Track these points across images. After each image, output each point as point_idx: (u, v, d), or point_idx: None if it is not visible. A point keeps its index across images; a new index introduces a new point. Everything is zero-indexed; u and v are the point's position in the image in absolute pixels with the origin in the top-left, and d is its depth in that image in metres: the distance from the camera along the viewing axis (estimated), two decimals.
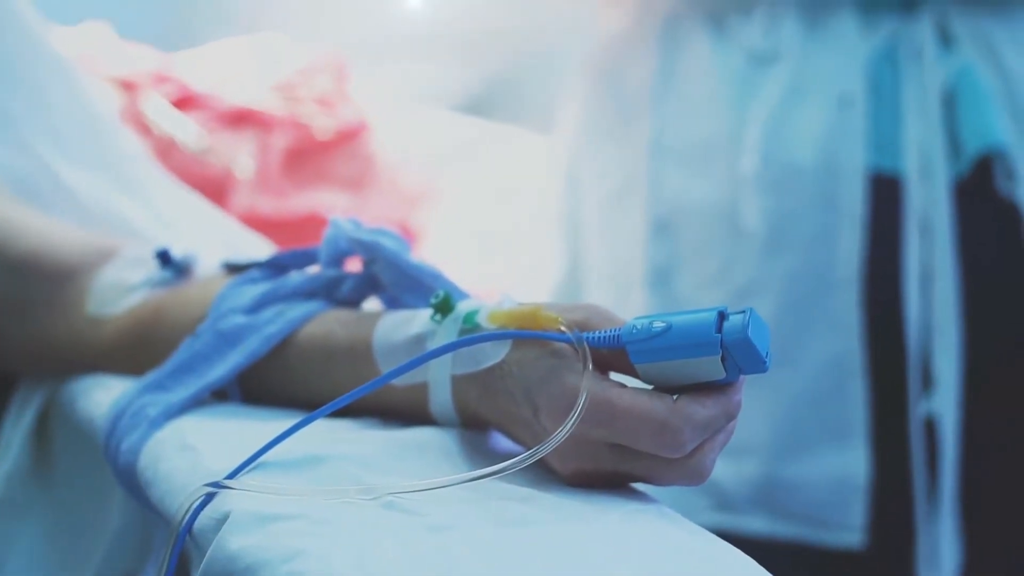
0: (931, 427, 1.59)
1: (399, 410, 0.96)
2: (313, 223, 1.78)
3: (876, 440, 1.61)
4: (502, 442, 0.94)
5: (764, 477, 1.63)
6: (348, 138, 1.86)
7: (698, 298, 1.67)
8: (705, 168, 1.67)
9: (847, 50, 1.61)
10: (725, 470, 1.63)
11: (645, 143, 1.71)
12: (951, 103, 1.59)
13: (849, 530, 1.61)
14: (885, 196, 1.59)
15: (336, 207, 1.79)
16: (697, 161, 1.68)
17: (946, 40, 1.61)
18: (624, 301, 1.73)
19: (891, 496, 1.61)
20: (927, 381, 1.58)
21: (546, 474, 0.89)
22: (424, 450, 0.91)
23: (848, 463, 1.60)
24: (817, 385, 1.61)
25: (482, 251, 2.00)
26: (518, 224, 2.10)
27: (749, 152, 1.63)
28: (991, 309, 1.59)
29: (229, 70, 1.91)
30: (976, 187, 1.59)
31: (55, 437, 1.17)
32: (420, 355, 0.91)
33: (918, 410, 1.57)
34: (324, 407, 0.90)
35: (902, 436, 1.60)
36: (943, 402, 1.57)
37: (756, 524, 1.62)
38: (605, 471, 0.87)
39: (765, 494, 1.62)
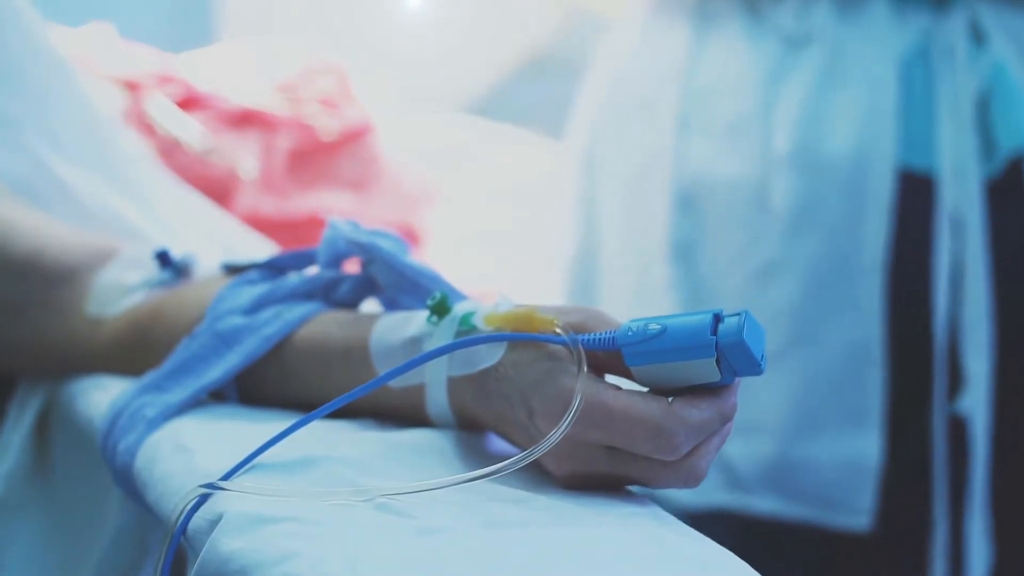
0: (954, 421, 1.58)
1: (395, 412, 0.96)
2: (317, 224, 1.78)
3: (893, 429, 1.61)
4: (498, 444, 0.94)
5: (776, 457, 1.63)
6: (352, 139, 1.86)
7: (721, 274, 1.68)
8: (733, 145, 1.67)
9: (880, 38, 1.61)
10: (737, 449, 1.63)
11: (672, 119, 1.71)
12: (984, 102, 1.59)
13: (857, 513, 1.61)
14: (918, 195, 1.59)
15: (340, 208, 1.79)
16: (725, 138, 1.68)
17: (978, 37, 1.60)
18: (645, 276, 1.74)
19: (903, 484, 1.61)
20: (952, 377, 1.59)
21: (540, 476, 0.89)
22: (419, 452, 0.91)
23: (861, 447, 1.60)
24: (835, 368, 1.62)
25: (484, 251, 1.99)
26: (520, 224, 2.10)
27: (781, 131, 1.63)
28: (1020, 310, 1.59)
29: (233, 71, 1.91)
30: (1008, 187, 1.59)
31: (54, 438, 1.17)
32: (416, 357, 0.91)
33: (944, 405, 1.58)
34: (320, 408, 0.90)
35: (920, 426, 1.60)
36: (974, 400, 1.57)
37: (765, 504, 1.62)
38: (599, 473, 0.87)
39: (776, 474, 1.62)
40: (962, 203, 1.57)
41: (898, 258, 1.60)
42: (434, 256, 1.90)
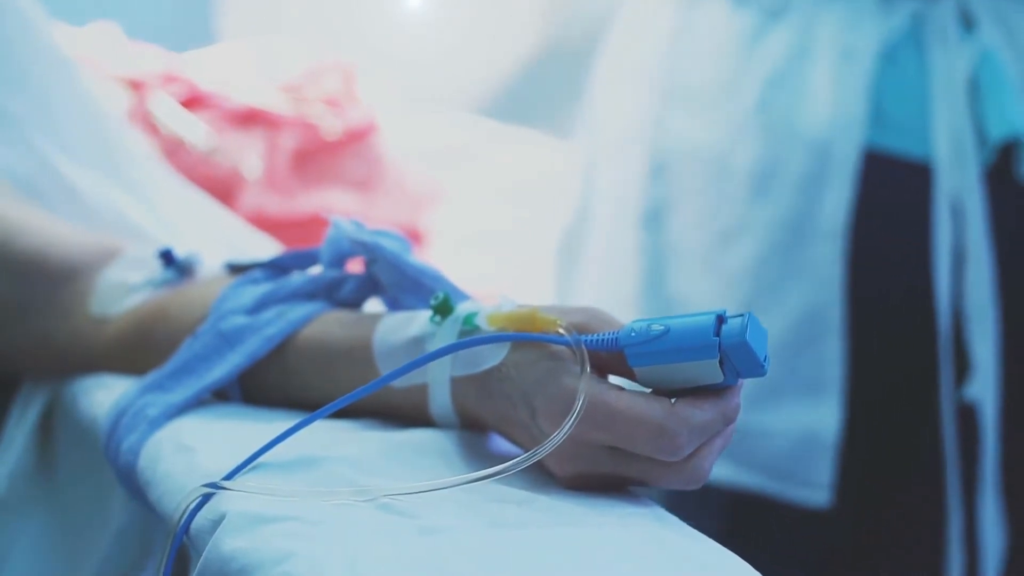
0: (929, 404, 1.59)
1: (398, 411, 0.96)
2: (320, 224, 1.77)
3: (903, 418, 1.61)
4: (501, 444, 0.94)
5: None
6: (356, 139, 1.86)
7: (686, 238, 1.68)
8: (705, 113, 1.68)
9: (860, 14, 1.61)
10: None
11: (654, 89, 1.73)
12: (974, 89, 1.59)
13: (816, 487, 1.61)
14: (916, 183, 1.59)
15: (344, 208, 1.79)
16: (696, 105, 1.69)
17: (968, 23, 1.61)
18: (619, 242, 1.75)
19: (864, 458, 1.61)
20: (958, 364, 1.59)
21: (543, 477, 0.89)
22: (422, 452, 0.91)
23: (818, 418, 1.59)
24: (792, 335, 1.62)
25: (485, 251, 1.99)
26: (522, 224, 2.10)
27: (748, 97, 1.64)
28: (1018, 297, 1.59)
29: (237, 70, 1.91)
30: (1001, 174, 1.59)
31: (58, 437, 1.17)
32: (420, 357, 0.91)
33: (951, 392, 1.58)
34: (323, 408, 0.90)
35: (929, 415, 1.60)
36: (982, 387, 1.58)
37: (721, 472, 1.61)
38: (602, 474, 0.87)
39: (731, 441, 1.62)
40: (961, 189, 1.57)
41: (898, 247, 1.60)
42: (435, 256, 1.90)
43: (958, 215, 1.58)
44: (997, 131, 1.57)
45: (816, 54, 1.62)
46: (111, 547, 1.13)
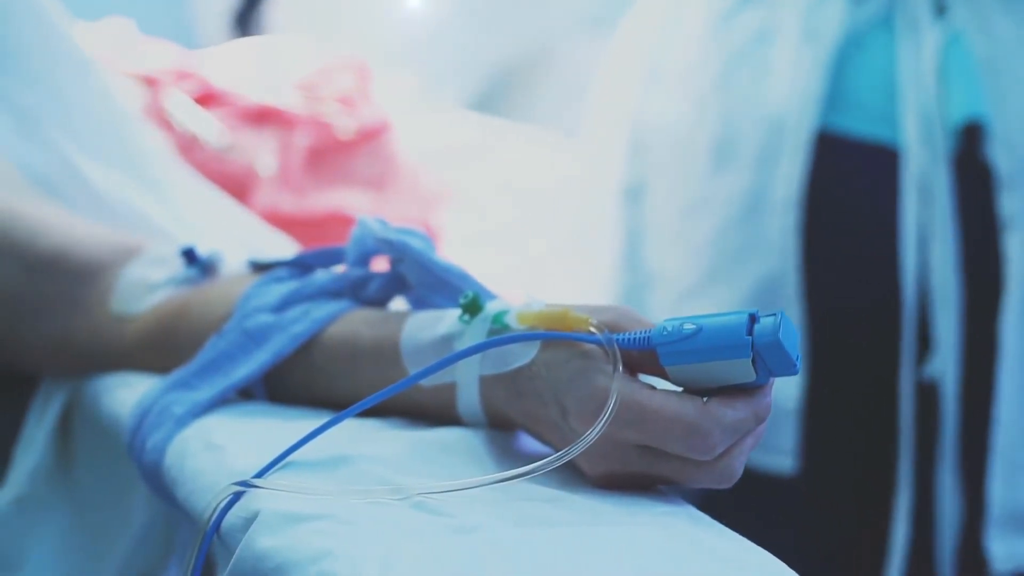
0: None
1: (425, 410, 0.96)
2: (334, 222, 1.78)
3: (867, 393, 1.62)
4: (528, 443, 0.94)
5: None
6: (370, 138, 1.86)
7: (658, 214, 1.73)
8: (674, 91, 1.72)
9: None
10: None
11: (642, 70, 1.77)
12: (943, 73, 1.60)
13: (781, 454, 1.62)
14: (880, 164, 1.61)
15: (357, 207, 1.79)
16: (669, 85, 1.73)
17: (940, 8, 1.62)
18: (607, 220, 1.79)
19: (828, 425, 1.62)
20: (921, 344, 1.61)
21: (574, 476, 0.89)
22: (451, 451, 0.91)
23: (780, 386, 1.61)
24: (752, 305, 1.64)
25: (489, 250, 1.99)
26: (526, 223, 2.10)
27: (710, 75, 1.67)
28: (981, 278, 1.60)
29: (251, 68, 1.91)
30: (966, 157, 1.61)
31: (78, 435, 1.16)
32: (449, 355, 0.91)
33: (912, 369, 1.59)
34: (354, 406, 0.89)
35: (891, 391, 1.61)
36: (944, 364, 1.59)
37: None
38: (633, 473, 0.87)
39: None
40: (928, 171, 1.59)
41: (860, 227, 1.62)
42: (445, 254, 1.90)
43: (924, 197, 1.59)
44: (960, 114, 1.59)
45: (781, 35, 1.65)
46: (133, 546, 1.13)
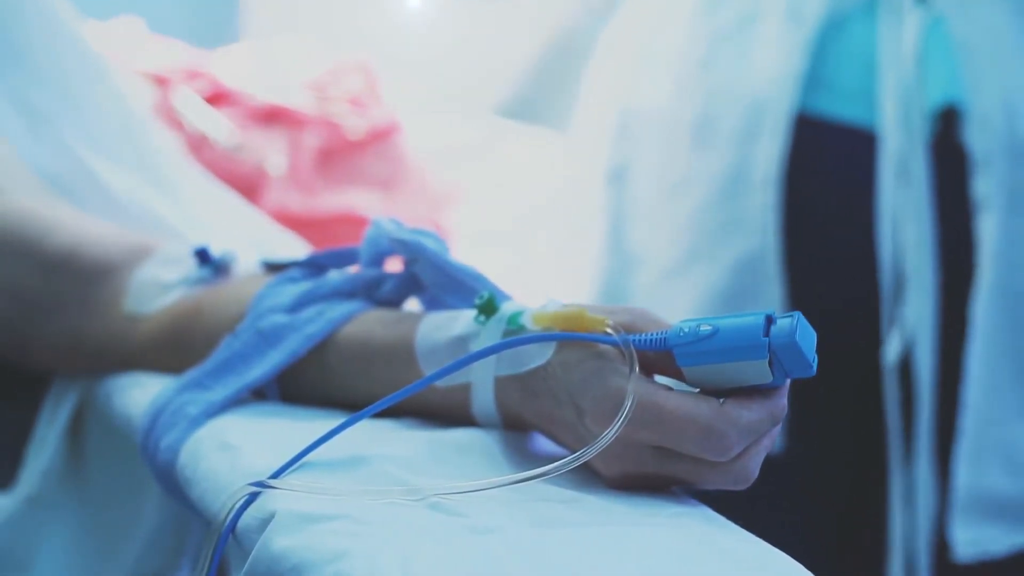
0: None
1: (440, 411, 0.96)
2: (344, 222, 1.78)
3: (844, 377, 1.62)
4: (543, 444, 0.94)
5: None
6: (379, 138, 1.86)
7: (642, 195, 1.73)
8: (659, 72, 1.73)
9: None
10: None
11: (630, 55, 1.78)
12: (922, 57, 1.61)
13: None
14: (858, 146, 1.61)
15: (366, 207, 1.79)
16: (655, 67, 1.73)
17: None
18: (589, 200, 1.80)
19: (808, 406, 1.62)
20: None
21: (590, 476, 0.89)
22: (466, 451, 0.91)
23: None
24: (730, 283, 1.65)
25: (492, 250, 1.99)
26: (530, 222, 2.10)
27: (694, 56, 1.68)
28: (956, 263, 1.61)
29: (261, 68, 1.91)
30: (943, 140, 1.61)
31: (89, 435, 1.17)
32: (465, 356, 0.91)
33: (896, 353, 1.60)
34: (370, 407, 0.89)
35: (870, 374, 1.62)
36: (919, 348, 1.59)
37: None
38: (649, 474, 0.87)
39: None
40: (906, 154, 1.59)
41: (838, 209, 1.62)
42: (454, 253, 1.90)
43: (902, 180, 1.59)
44: (938, 97, 1.59)
45: (764, 17, 1.65)
46: (144, 546, 1.13)
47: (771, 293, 1.62)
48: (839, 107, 1.63)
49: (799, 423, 1.62)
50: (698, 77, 1.68)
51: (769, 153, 1.63)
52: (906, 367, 1.62)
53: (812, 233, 1.64)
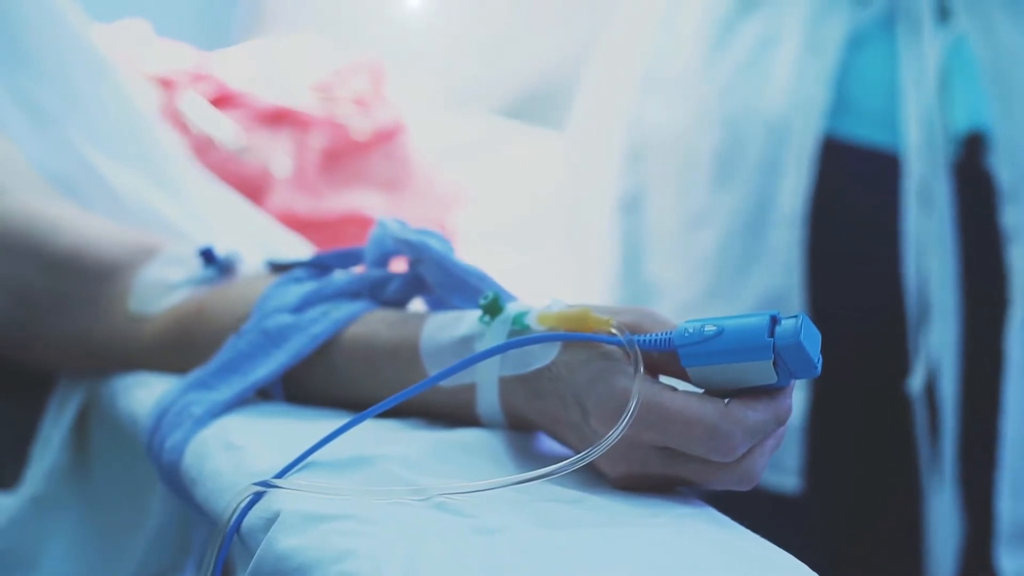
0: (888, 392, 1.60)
1: (444, 411, 0.96)
2: (349, 223, 1.78)
3: (873, 403, 1.61)
4: (548, 444, 0.94)
5: None
6: (385, 139, 1.86)
7: (657, 225, 1.71)
8: (674, 100, 1.70)
9: (831, 4, 1.62)
10: None
11: (635, 78, 1.75)
12: (945, 79, 1.59)
13: (785, 472, 1.61)
14: (880, 171, 1.60)
15: (372, 208, 1.79)
16: (669, 94, 1.71)
17: (943, 13, 1.60)
18: (604, 229, 1.77)
19: (832, 443, 1.61)
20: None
21: (594, 476, 0.89)
22: (471, 451, 0.91)
23: None
24: None
25: (494, 249, 1.99)
26: (531, 222, 2.10)
27: (712, 85, 1.66)
28: (980, 287, 1.59)
29: (267, 69, 1.91)
30: (967, 165, 1.59)
31: (94, 435, 1.17)
32: (470, 356, 0.91)
33: (923, 380, 1.59)
34: (375, 407, 0.89)
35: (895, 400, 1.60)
36: (944, 375, 1.58)
37: None
38: (654, 475, 0.87)
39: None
40: (929, 178, 1.57)
41: (861, 234, 1.61)
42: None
43: (925, 204, 1.58)
44: (963, 123, 1.58)
45: (784, 42, 1.63)
46: (149, 546, 1.13)
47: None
48: (862, 130, 1.61)
49: (822, 460, 1.61)
50: (717, 105, 1.66)
51: (795, 185, 1.61)
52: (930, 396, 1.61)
53: (835, 263, 1.62)
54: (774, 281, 1.62)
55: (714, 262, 1.66)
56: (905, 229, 1.59)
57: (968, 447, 1.60)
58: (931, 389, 1.60)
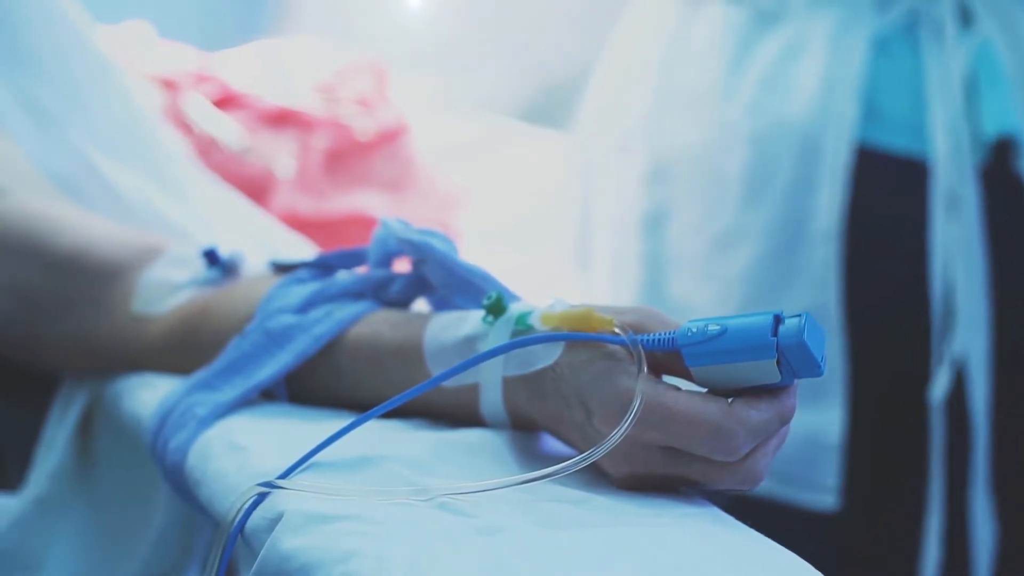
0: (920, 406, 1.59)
1: (448, 411, 0.96)
2: (353, 224, 1.78)
3: (892, 412, 1.60)
4: (552, 444, 0.94)
5: None
6: (388, 139, 1.86)
7: (685, 244, 1.68)
8: (697, 115, 1.68)
9: (854, 14, 1.60)
10: None
11: (651, 93, 1.72)
12: (971, 84, 1.58)
13: (822, 491, 1.60)
14: (909, 178, 1.59)
15: (375, 208, 1.79)
16: (692, 109, 1.68)
17: (965, 16, 1.60)
18: (623, 248, 1.75)
19: (869, 460, 1.60)
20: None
21: (597, 476, 0.89)
22: (474, 451, 0.91)
23: (822, 422, 1.58)
24: None
25: (496, 249, 1.99)
26: (532, 222, 2.10)
27: (739, 101, 1.63)
28: (1010, 297, 1.58)
29: (270, 70, 1.91)
30: (996, 171, 1.58)
31: (98, 436, 1.17)
32: (473, 356, 0.91)
33: (944, 389, 1.57)
34: (379, 407, 0.89)
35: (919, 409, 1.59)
36: (974, 385, 1.57)
37: None
38: (657, 474, 0.87)
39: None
40: (957, 185, 1.56)
41: (893, 244, 1.59)
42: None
43: (954, 212, 1.57)
44: (992, 128, 1.57)
45: (807, 55, 1.61)
46: (153, 547, 1.13)
47: (832, 346, 1.58)
48: (890, 139, 1.59)
49: (859, 476, 1.60)
50: (742, 122, 1.63)
51: (830, 200, 1.58)
52: (952, 404, 1.60)
53: (868, 275, 1.60)
54: (811, 298, 1.59)
55: (747, 281, 1.63)
56: (931, 236, 1.57)
57: (1001, 457, 1.60)
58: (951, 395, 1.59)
